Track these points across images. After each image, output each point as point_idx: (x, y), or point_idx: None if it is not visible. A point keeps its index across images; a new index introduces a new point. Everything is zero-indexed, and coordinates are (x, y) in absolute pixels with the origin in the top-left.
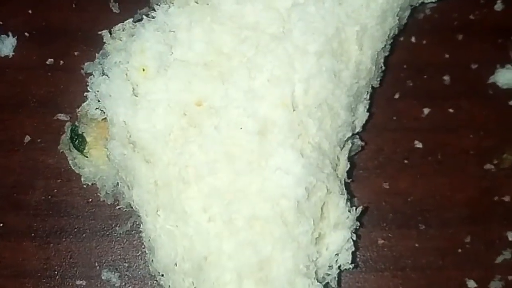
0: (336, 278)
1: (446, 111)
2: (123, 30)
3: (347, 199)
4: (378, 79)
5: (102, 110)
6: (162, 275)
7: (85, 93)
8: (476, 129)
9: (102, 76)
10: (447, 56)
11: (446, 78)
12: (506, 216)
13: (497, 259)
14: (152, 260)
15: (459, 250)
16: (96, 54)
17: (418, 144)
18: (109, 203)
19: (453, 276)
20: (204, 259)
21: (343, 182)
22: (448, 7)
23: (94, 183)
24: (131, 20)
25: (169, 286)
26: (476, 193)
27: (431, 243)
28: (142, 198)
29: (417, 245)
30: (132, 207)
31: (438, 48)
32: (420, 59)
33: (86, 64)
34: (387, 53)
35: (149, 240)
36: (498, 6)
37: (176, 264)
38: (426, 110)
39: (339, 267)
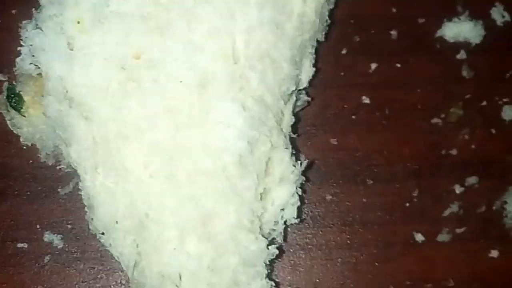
0: (282, 234)
1: (393, 66)
2: None
3: (292, 154)
4: (323, 32)
5: (36, 65)
6: (103, 233)
7: (18, 48)
8: (424, 84)
9: (35, 29)
10: (394, 10)
11: (393, 32)
12: (453, 169)
13: (445, 212)
14: (92, 219)
15: (407, 204)
16: (34, 11)
17: (366, 100)
18: (50, 164)
19: (401, 230)
20: (145, 216)
21: (287, 136)
22: None
23: (34, 144)
24: None
25: (110, 244)
26: (423, 147)
27: (379, 198)
28: (81, 156)
29: (365, 200)
30: (73, 168)
31: (385, 2)
32: (367, 14)
33: (23, 22)
34: (332, 6)
35: (88, 198)
36: None
37: (117, 222)
38: (373, 66)
39: (285, 222)
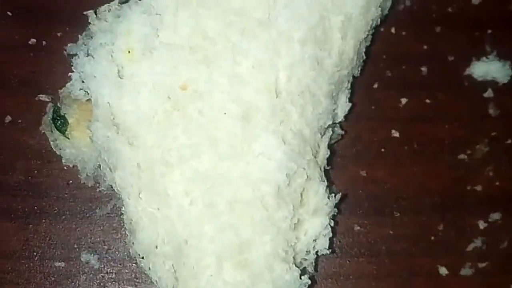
0: (313, 263)
1: (423, 101)
2: (108, 11)
3: (327, 186)
4: (359, 68)
5: (86, 91)
6: (143, 258)
7: (69, 74)
8: (451, 119)
9: (87, 57)
10: (425, 47)
11: (424, 69)
12: (478, 205)
13: (468, 247)
14: (133, 243)
15: (432, 238)
16: (79, 35)
17: (395, 133)
18: (89, 186)
19: (426, 262)
20: (185, 242)
21: (322, 169)
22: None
23: (75, 165)
24: (117, 1)
25: (150, 268)
26: (449, 182)
27: (405, 230)
28: (125, 181)
29: (391, 232)
30: (112, 190)
31: (417, 39)
32: (399, 49)
33: (69, 45)
34: (368, 43)
35: (130, 222)
36: (475, 0)
37: (156, 247)
38: (403, 100)
39: (317, 252)
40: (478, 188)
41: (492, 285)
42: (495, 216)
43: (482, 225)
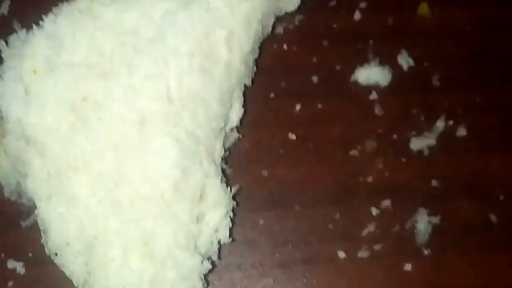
0: (217, 252)
1: (315, 106)
2: (17, 39)
3: (223, 181)
4: (250, 78)
5: None
6: (56, 254)
7: None
8: (342, 121)
9: None
10: (314, 59)
11: (315, 78)
12: (370, 194)
13: (363, 232)
14: (47, 242)
15: (330, 226)
16: None
17: (292, 136)
18: (12, 200)
19: (326, 249)
20: (94, 238)
21: (219, 166)
22: (314, 18)
23: None
24: (24, 30)
25: (63, 264)
26: (343, 176)
27: (305, 221)
28: (36, 186)
29: (293, 223)
30: (33, 203)
31: (307, 53)
32: (292, 63)
33: None
34: (256, 56)
35: (43, 223)
36: (357, 16)
37: (68, 244)
38: (298, 106)
39: (219, 242)
40: (369, 179)
41: (387, 265)
42: (386, 203)
43: (374, 211)
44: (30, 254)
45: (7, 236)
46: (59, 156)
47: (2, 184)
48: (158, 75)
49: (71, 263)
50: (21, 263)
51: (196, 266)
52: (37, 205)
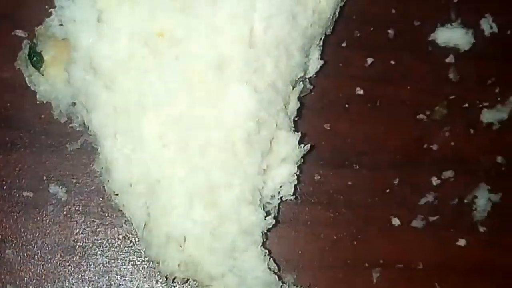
0: (277, 208)
1: (387, 62)
2: None
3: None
4: (331, 26)
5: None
6: (117, 195)
7: (50, 9)
8: (414, 81)
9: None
10: (393, 11)
11: (391, 31)
12: (433, 162)
13: (421, 201)
14: (108, 181)
15: (387, 191)
16: None
17: (360, 91)
18: (61, 121)
19: (380, 213)
20: (157, 182)
21: (292, 120)
22: None
23: (49, 101)
24: None
25: (124, 205)
26: (407, 140)
27: (362, 183)
28: (101, 122)
29: (349, 183)
30: (83, 127)
31: (386, 3)
32: (369, 12)
33: None
34: (342, 4)
35: (106, 161)
36: None
37: (131, 185)
38: (369, 60)
39: (281, 198)
40: (434, 147)
41: (441, 238)
42: (448, 173)
43: (435, 181)
44: (73, 180)
45: (51, 158)
46: (129, 92)
47: (52, 104)
48: (243, 15)
49: (132, 205)
50: (64, 189)
51: (259, 221)
52: (100, 142)
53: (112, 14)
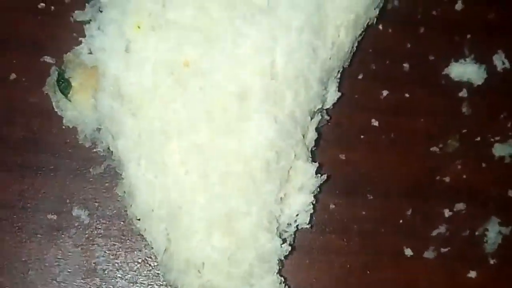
0: (293, 236)
1: (402, 95)
2: None
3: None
4: (349, 59)
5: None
6: (139, 219)
7: (80, 38)
8: (427, 114)
9: (97, 30)
10: (409, 45)
11: (406, 65)
12: (445, 194)
13: (433, 232)
14: (131, 205)
15: (400, 221)
16: (86, 3)
17: (375, 122)
18: (86, 146)
19: (393, 243)
20: (179, 208)
21: (309, 150)
22: (413, 1)
23: (74, 126)
24: None
25: (145, 229)
26: (420, 171)
27: (375, 212)
28: (126, 148)
29: (363, 212)
30: (107, 152)
31: (402, 37)
32: (385, 45)
33: (76, 12)
34: (360, 38)
35: (129, 186)
36: (459, 6)
37: (152, 210)
38: (385, 92)
39: (297, 226)
40: (447, 179)
41: (452, 269)
42: (460, 206)
43: (447, 213)
44: (96, 204)
45: (75, 182)
46: (153, 120)
47: (78, 129)
48: (266, 48)
49: (153, 230)
50: (87, 212)
51: (276, 248)
52: (125, 166)
53: (140, 44)
